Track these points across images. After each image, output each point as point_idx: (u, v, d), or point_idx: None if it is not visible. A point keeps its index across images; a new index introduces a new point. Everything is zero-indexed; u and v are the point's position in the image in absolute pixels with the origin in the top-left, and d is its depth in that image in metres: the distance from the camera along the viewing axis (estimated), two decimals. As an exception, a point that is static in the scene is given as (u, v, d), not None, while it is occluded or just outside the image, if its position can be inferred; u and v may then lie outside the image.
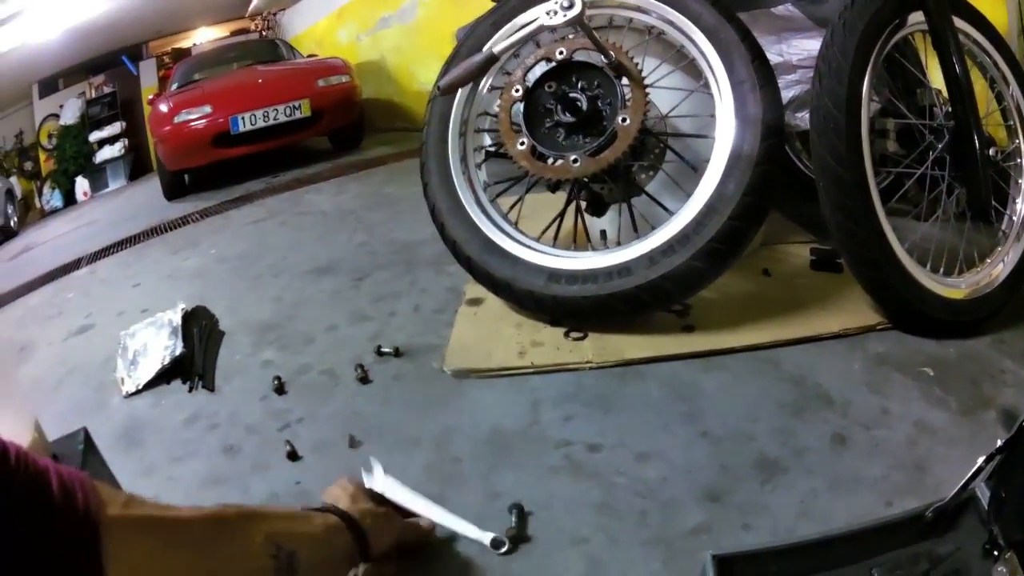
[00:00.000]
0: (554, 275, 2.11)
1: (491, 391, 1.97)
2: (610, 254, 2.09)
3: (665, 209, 2.16)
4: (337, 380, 2.19)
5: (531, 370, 2.01)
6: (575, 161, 2.09)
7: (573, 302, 2.07)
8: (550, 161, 2.15)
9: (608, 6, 2.28)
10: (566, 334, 2.13)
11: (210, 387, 2.32)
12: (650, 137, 2.19)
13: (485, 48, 2.27)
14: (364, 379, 2.13)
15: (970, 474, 1.09)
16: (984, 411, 1.61)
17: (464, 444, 1.75)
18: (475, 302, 2.46)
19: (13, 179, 12.37)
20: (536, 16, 2.13)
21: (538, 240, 2.26)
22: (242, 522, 0.98)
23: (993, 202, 2.02)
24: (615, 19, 2.31)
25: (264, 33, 14.00)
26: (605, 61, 2.12)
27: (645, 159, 2.23)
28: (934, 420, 1.59)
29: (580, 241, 2.34)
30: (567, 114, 2.14)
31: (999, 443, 1.06)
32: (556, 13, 2.02)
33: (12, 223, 10.71)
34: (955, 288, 1.96)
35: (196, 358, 2.51)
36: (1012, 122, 2.22)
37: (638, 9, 2.24)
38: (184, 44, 14.41)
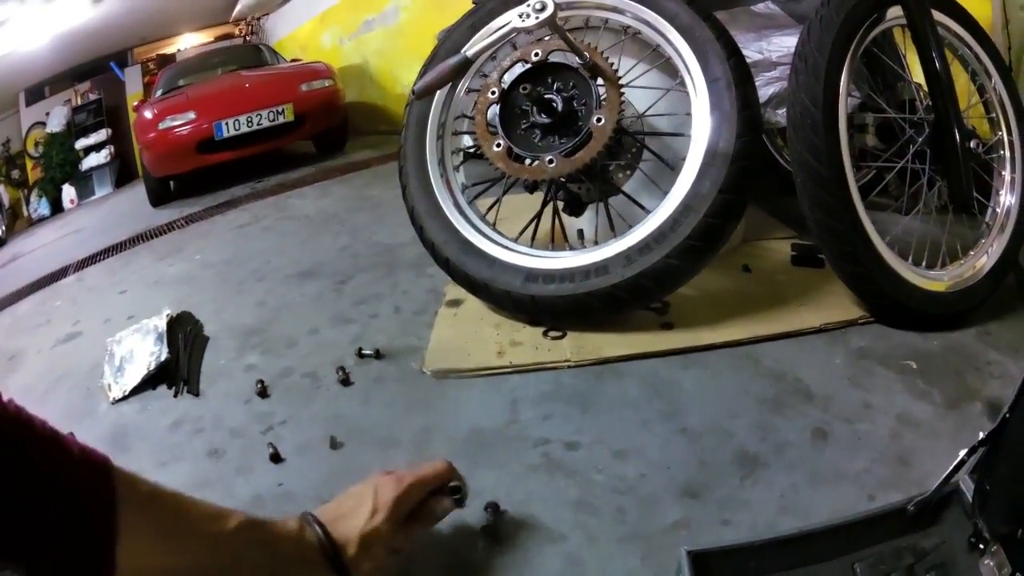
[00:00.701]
0: (532, 275, 2.11)
1: (470, 391, 1.97)
2: (587, 253, 2.10)
3: (642, 208, 2.16)
4: (319, 382, 2.18)
5: (510, 370, 2.01)
6: (551, 162, 2.09)
7: (551, 301, 2.07)
8: (527, 162, 2.15)
9: (584, 7, 2.29)
10: (545, 333, 2.14)
11: (195, 392, 2.32)
12: (626, 136, 2.20)
13: (461, 51, 2.28)
14: (345, 381, 2.13)
15: (952, 467, 1.09)
16: (969, 403, 1.62)
17: (443, 443, 1.75)
18: (455, 303, 2.47)
19: (0, 188, 12.36)
20: (510, 19, 2.14)
21: (516, 241, 2.26)
22: (243, 549, 1.09)
23: (976, 194, 2.03)
24: (591, 20, 2.32)
25: (248, 38, 14.00)
26: (580, 62, 2.12)
27: (622, 158, 2.23)
28: (918, 413, 1.60)
29: (558, 241, 2.36)
30: (542, 115, 2.15)
31: (981, 436, 1.06)
32: (529, 16, 2.03)
33: (0, 232, 10.70)
34: (938, 281, 1.97)
35: (181, 363, 2.51)
36: (994, 114, 2.23)
37: (614, 10, 2.25)
38: (169, 50, 14.40)
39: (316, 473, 1.73)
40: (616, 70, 2.12)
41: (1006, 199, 2.15)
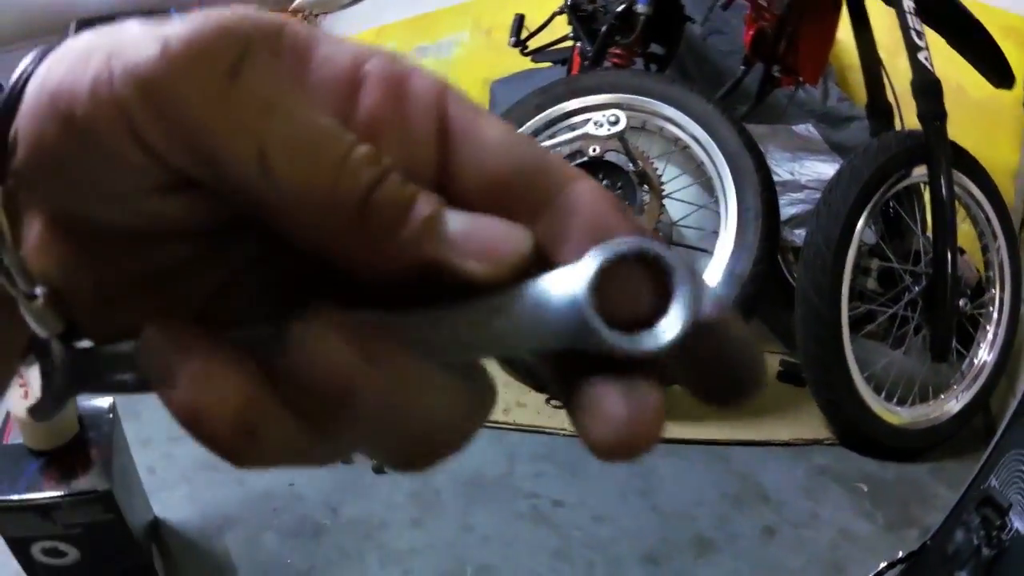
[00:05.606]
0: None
1: (474, 439, 2.12)
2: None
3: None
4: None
5: (512, 427, 2.16)
6: (589, 256, 2.24)
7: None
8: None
9: (644, 111, 2.40)
10: (547, 401, 2.26)
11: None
12: (657, 242, 2.34)
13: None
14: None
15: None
16: (908, 529, 1.76)
17: (446, 481, 1.88)
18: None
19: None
20: (583, 121, 2.30)
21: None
22: None
23: (956, 345, 2.16)
24: (648, 124, 2.43)
25: (303, 33, 14.03)
26: (632, 167, 2.26)
27: (649, 260, 2.38)
28: (859, 529, 1.76)
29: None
30: (587, 210, 2.30)
31: (901, 554, 1.24)
32: (602, 126, 2.17)
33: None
34: (904, 417, 2.10)
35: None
36: (992, 273, 2.33)
37: (670, 120, 2.36)
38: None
39: (326, 483, 1.85)
40: (662, 180, 2.28)
41: (984, 354, 2.26)
